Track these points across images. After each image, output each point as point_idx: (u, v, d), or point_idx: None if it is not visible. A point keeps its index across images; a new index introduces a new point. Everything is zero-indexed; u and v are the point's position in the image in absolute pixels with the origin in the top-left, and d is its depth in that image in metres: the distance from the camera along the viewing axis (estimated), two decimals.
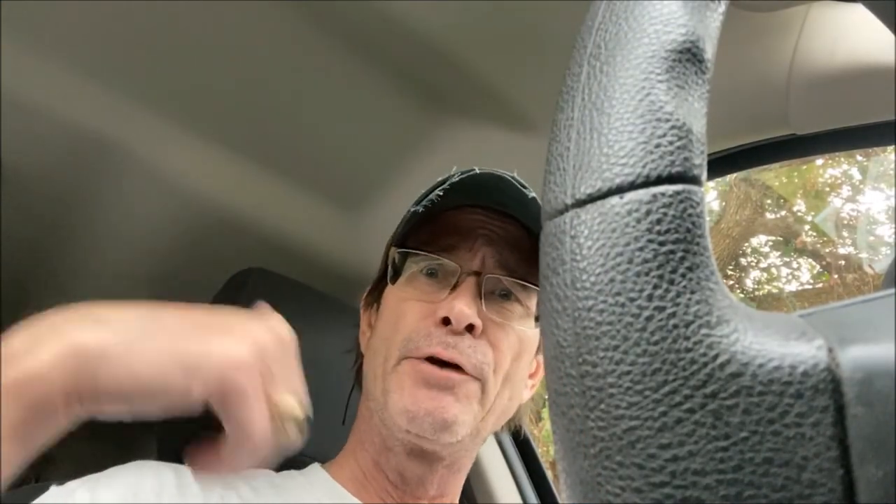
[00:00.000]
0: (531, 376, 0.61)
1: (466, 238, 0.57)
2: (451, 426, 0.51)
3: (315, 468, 0.59)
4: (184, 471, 0.53)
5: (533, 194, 0.55)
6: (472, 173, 0.56)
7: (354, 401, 0.63)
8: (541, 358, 0.61)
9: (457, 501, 0.59)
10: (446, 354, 0.52)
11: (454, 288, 0.54)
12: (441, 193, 0.56)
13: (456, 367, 0.52)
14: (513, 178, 0.55)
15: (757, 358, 0.16)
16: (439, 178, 0.58)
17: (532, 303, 0.57)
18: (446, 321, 0.52)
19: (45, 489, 0.49)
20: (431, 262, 0.57)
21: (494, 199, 0.57)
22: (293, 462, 0.69)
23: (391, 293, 0.58)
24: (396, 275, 0.58)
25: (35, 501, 0.48)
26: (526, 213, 0.57)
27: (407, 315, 0.55)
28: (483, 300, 0.54)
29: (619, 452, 0.16)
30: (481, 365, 0.53)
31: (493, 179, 0.56)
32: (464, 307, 0.52)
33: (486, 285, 0.55)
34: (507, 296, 0.56)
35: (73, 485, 0.49)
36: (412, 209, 0.58)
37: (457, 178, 0.56)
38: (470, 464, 0.59)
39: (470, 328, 0.52)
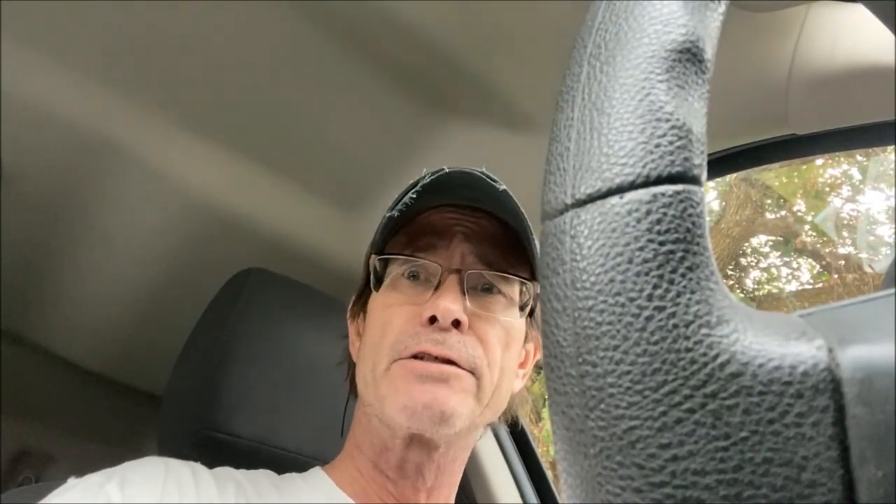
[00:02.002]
0: (520, 366, 0.61)
1: (443, 237, 0.57)
2: (450, 418, 0.51)
3: (316, 471, 0.59)
4: (198, 468, 0.53)
5: (503, 187, 0.56)
6: (441, 173, 0.57)
7: (350, 411, 0.63)
8: (529, 347, 0.62)
9: (452, 500, 0.59)
10: (436, 350, 0.52)
11: (437, 287, 0.55)
12: (414, 196, 0.57)
13: (448, 363, 0.52)
14: (482, 172, 0.56)
15: (757, 358, 0.16)
16: (410, 182, 0.59)
17: (514, 293, 0.58)
18: (433, 319, 0.53)
19: (46, 489, 0.49)
20: (412, 264, 0.57)
21: (466, 195, 0.58)
22: (294, 463, 0.69)
23: (376, 300, 0.59)
24: (379, 281, 0.59)
25: (59, 489, 0.48)
26: (498, 206, 0.57)
27: (393, 319, 0.55)
28: (466, 296, 0.55)
29: (619, 452, 0.16)
30: (473, 359, 0.53)
31: (463, 176, 0.56)
32: (448, 304, 0.52)
33: (468, 281, 0.56)
34: (489, 289, 0.57)
35: (96, 479, 0.49)
36: (387, 214, 0.59)
37: (428, 180, 0.57)
38: (466, 457, 0.59)
39: (456, 324, 0.53)
